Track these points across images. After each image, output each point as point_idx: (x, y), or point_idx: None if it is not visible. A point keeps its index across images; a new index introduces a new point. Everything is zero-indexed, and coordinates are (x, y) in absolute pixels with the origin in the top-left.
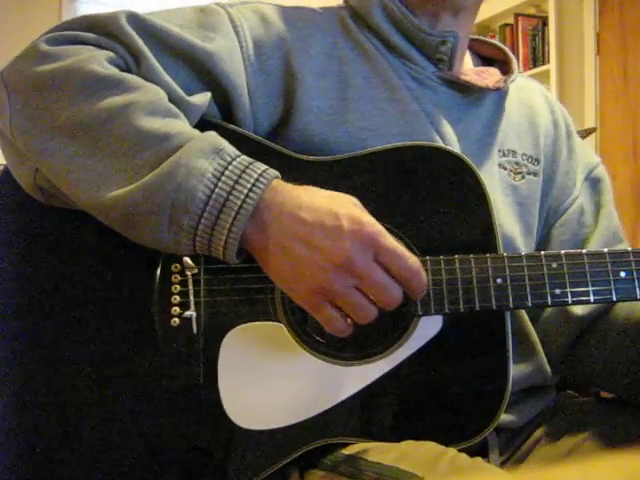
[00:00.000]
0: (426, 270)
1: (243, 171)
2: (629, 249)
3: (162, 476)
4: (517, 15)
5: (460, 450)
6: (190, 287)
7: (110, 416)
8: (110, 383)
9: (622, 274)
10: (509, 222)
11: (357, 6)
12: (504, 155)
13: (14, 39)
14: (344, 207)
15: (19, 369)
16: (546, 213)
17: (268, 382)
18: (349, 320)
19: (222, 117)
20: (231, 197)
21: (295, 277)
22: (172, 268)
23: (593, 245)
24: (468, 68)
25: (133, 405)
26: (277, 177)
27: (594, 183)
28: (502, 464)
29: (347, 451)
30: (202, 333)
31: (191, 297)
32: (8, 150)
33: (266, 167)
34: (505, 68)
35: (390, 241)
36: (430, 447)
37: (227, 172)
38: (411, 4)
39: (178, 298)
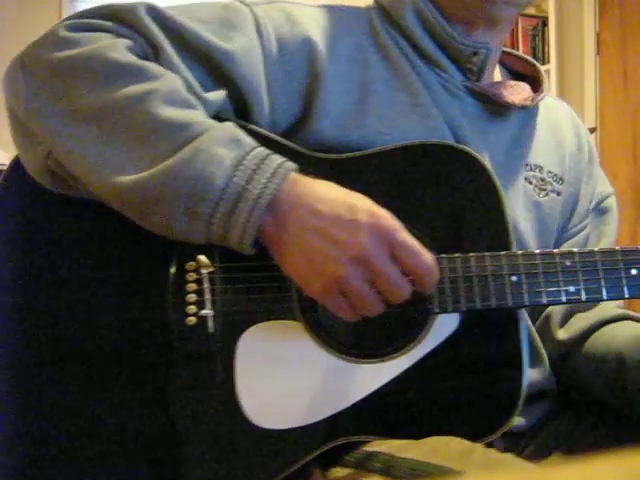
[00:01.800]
0: (442, 268)
1: (262, 161)
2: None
3: (179, 475)
4: None
5: None
6: (206, 285)
7: (124, 415)
8: (123, 383)
9: (633, 271)
10: (528, 239)
11: (388, 6)
12: (531, 169)
13: (14, 39)
14: (361, 200)
15: (27, 365)
16: (560, 232)
17: (286, 381)
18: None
19: (236, 117)
20: (249, 186)
21: (310, 270)
22: (186, 266)
23: None
24: (498, 81)
25: (148, 404)
26: (294, 170)
27: (601, 213)
28: None
29: (369, 448)
30: (219, 332)
31: (207, 295)
32: (20, 134)
33: (284, 159)
34: (535, 85)
35: (407, 236)
36: (458, 443)
37: (245, 161)
38: (445, 11)
39: (194, 297)
